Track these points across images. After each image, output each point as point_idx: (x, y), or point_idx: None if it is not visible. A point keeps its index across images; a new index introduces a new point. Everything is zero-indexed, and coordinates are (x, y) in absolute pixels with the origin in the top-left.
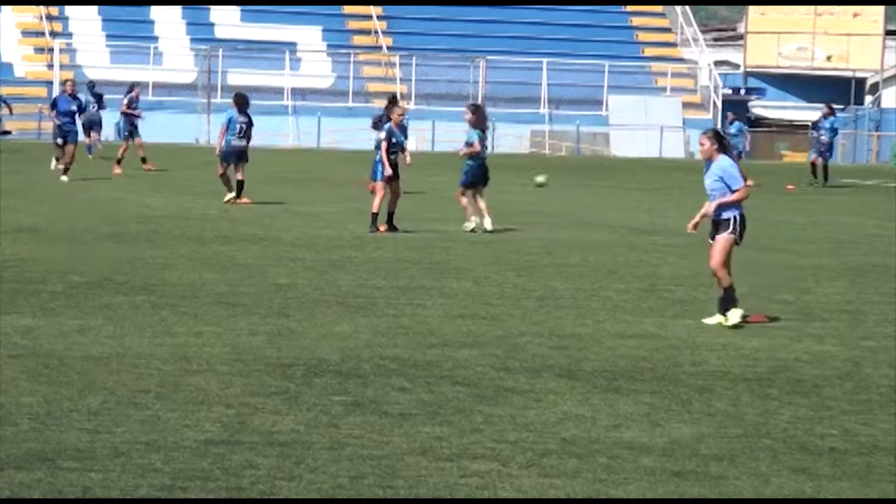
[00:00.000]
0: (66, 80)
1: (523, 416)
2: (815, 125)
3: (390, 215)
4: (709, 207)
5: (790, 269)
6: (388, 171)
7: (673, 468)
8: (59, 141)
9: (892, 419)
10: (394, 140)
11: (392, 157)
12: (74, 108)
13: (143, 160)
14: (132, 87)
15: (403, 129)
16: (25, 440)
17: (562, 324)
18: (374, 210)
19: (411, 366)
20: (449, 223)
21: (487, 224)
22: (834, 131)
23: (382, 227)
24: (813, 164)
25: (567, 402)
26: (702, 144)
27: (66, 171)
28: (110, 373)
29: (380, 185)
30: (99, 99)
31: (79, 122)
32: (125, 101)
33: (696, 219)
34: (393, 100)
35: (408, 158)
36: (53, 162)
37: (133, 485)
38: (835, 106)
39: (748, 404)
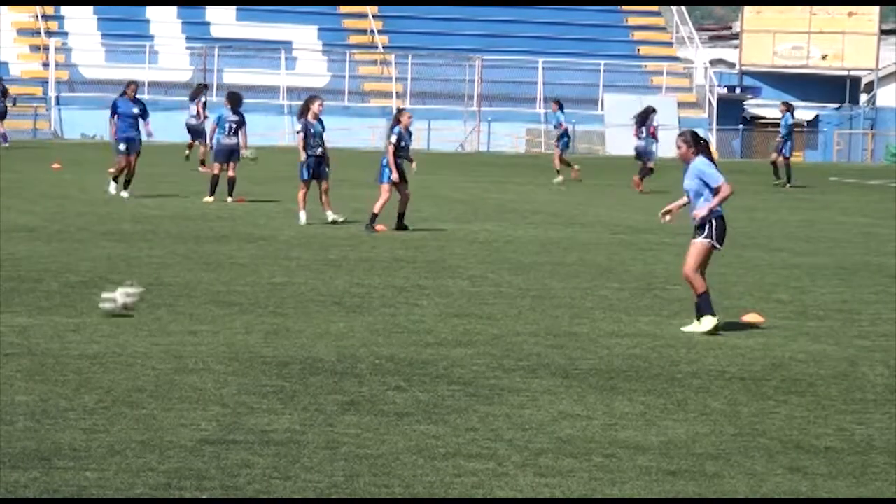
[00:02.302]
0: (130, 83)
1: (519, 415)
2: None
3: (400, 216)
4: (697, 212)
5: (786, 268)
6: (395, 176)
7: (668, 467)
8: (122, 147)
9: (888, 418)
10: (402, 144)
11: (399, 160)
12: (137, 111)
13: (203, 162)
14: (203, 87)
15: (409, 135)
16: (21, 439)
17: (558, 323)
18: (376, 210)
19: (407, 365)
20: (446, 222)
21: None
22: (787, 127)
23: (380, 227)
24: (773, 164)
25: (563, 401)
26: (678, 147)
27: (126, 184)
28: (106, 372)
29: (385, 187)
30: (4, 91)
31: (143, 128)
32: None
33: (670, 206)
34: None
35: (413, 166)
36: (112, 186)
37: (128, 484)
38: (830, 105)
39: (744, 403)
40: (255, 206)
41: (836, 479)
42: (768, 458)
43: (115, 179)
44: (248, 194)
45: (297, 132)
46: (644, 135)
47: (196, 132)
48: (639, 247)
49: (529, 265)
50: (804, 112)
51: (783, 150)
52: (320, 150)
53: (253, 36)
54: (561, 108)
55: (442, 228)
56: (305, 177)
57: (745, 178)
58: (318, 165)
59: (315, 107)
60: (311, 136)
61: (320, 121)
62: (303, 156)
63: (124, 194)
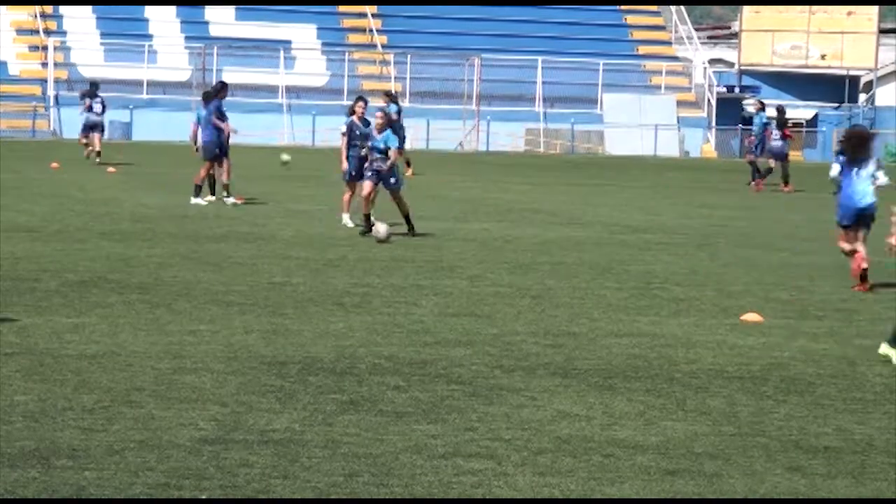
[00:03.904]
0: (226, 86)
1: (518, 414)
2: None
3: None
4: None
5: (785, 266)
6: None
7: (667, 466)
8: (217, 151)
9: (887, 418)
10: (357, 133)
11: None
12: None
13: (99, 153)
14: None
15: (400, 129)
16: (19, 438)
17: (556, 322)
18: (365, 211)
19: (406, 364)
20: (445, 222)
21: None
22: (761, 126)
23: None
24: (752, 164)
25: (562, 400)
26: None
27: (226, 190)
28: (104, 371)
29: (351, 184)
30: None
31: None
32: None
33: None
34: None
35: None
36: (196, 200)
37: (127, 483)
38: (829, 104)
39: (743, 403)
40: (254, 205)
41: (835, 478)
42: (767, 457)
43: (200, 189)
44: (247, 194)
45: (343, 133)
46: (778, 136)
47: (95, 126)
48: (637, 246)
49: (529, 265)
50: (803, 112)
51: (755, 150)
52: (364, 151)
53: (252, 35)
54: (394, 100)
55: (441, 228)
56: (348, 178)
57: (744, 177)
58: (361, 167)
59: (357, 108)
60: (356, 138)
61: (367, 122)
62: (343, 160)
63: (232, 201)
